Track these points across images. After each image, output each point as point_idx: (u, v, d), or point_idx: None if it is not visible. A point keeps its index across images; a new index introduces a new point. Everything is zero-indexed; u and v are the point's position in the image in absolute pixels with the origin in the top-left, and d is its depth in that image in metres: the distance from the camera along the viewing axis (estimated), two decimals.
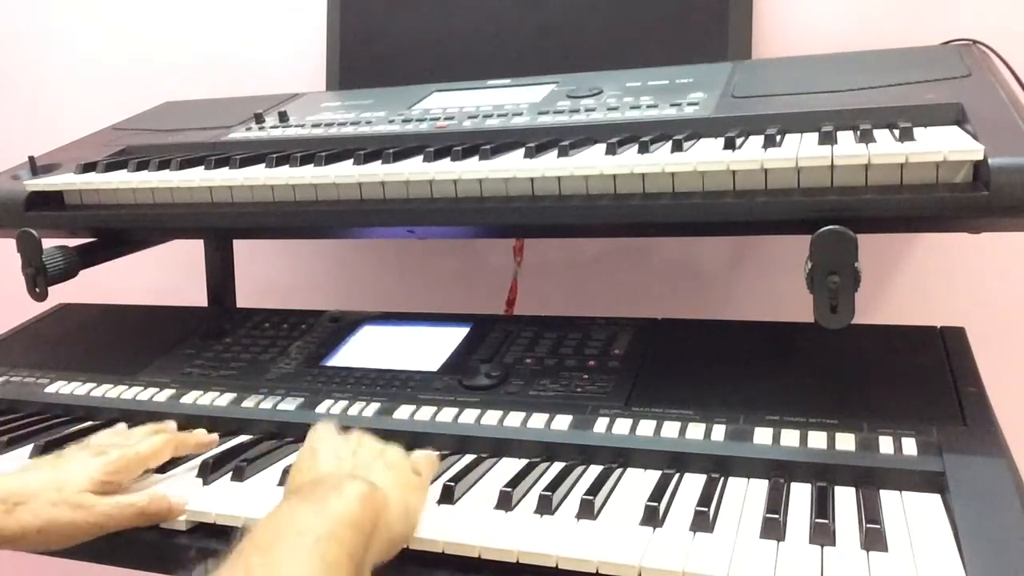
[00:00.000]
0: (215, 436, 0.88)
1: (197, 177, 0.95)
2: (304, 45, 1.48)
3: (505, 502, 0.71)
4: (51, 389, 1.03)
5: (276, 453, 0.85)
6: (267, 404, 0.94)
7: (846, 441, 0.74)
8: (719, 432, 0.78)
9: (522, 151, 0.84)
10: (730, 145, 0.78)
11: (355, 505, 0.59)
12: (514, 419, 0.84)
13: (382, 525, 0.61)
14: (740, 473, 0.75)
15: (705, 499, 0.69)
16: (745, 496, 0.71)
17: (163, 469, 0.83)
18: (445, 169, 0.84)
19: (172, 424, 0.89)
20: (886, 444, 0.73)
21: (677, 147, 0.80)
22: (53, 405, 1.00)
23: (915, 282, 1.27)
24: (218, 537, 0.74)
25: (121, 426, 0.90)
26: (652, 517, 0.67)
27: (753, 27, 1.18)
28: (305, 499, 0.60)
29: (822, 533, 0.63)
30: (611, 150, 0.81)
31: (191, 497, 0.76)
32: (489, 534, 0.67)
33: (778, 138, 0.79)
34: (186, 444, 0.85)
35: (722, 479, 0.74)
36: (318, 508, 0.58)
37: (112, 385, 1.02)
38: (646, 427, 0.80)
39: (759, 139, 0.79)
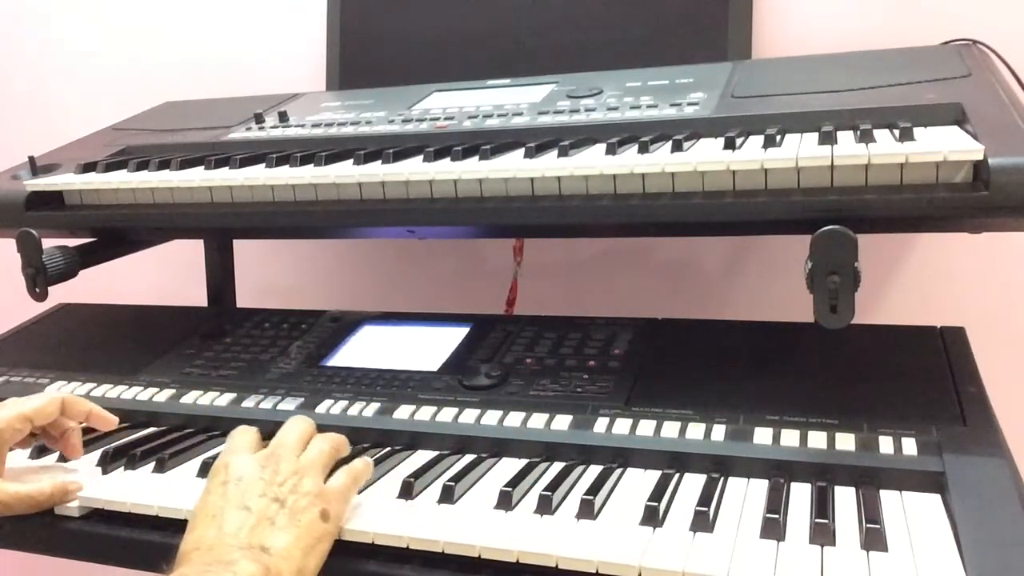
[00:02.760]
0: (113, 419, 0.88)
1: (197, 177, 0.95)
2: (304, 45, 1.48)
3: (505, 502, 0.71)
4: (51, 389, 1.03)
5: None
6: (267, 404, 0.94)
7: (846, 441, 0.74)
8: (719, 432, 0.78)
9: (522, 151, 0.84)
10: (730, 145, 0.78)
11: None
12: (514, 419, 0.84)
13: None
14: (740, 473, 0.75)
15: (705, 499, 0.69)
16: (745, 496, 0.71)
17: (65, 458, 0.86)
18: (445, 169, 0.84)
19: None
20: (886, 444, 0.73)
21: (677, 147, 0.80)
22: None
23: (915, 282, 1.27)
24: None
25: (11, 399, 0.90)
26: (652, 517, 0.67)
27: (753, 27, 1.18)
28: None
29: (822, 533, 0.63)
30: (611, 150, 0.81)
31: (88, 484, 0.80)
32: (489, 534, 0.67)
33: (778, 138, 0.79)
34: (76, 407, 0.85)
35: (722, 479, 0.74)
36: None
37: (112, 385, 1.02)
38: (646, 427, 0.80)
39: (759, 139, 0.79)
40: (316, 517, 0.67)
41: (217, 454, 0.83)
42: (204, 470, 0.81)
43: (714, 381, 0.87)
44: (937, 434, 0.74)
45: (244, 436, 0.76)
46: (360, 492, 0.75)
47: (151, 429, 0.94)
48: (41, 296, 1.00)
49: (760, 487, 0.72)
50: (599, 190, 0.80)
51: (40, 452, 0.88)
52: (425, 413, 0.87)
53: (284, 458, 0.72)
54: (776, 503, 0.67)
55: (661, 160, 0.77)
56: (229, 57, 1.57)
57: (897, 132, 0.75)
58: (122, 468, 0.84)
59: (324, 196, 0.91)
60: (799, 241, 0.73)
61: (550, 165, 0.81)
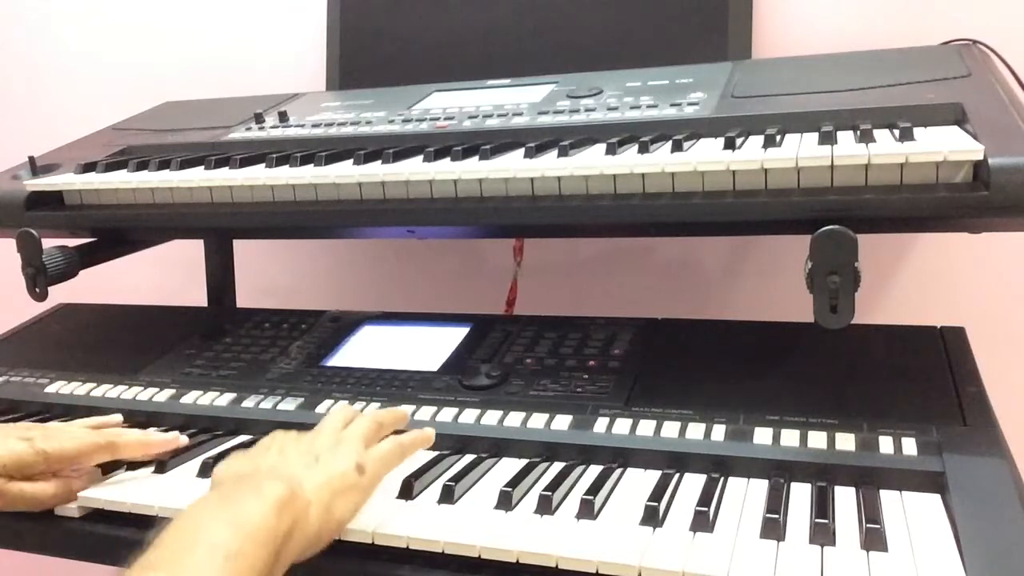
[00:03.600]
0: (173, 436, 0.85)
1: (197, 177, 0.95)
2: (304, 45, 1.48)
3: (505, 502, 0.71)
4: (51, 389, 1.03)
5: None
6: (267, 404, 0.94)
7: (846, 441, 0.74)
8: (719, 432, 0.78)
9: (522, 151, 0.84)
10: (730, 145, 0.78)
11: (270, 515, 0.59)
12: (514, 419, 0.84)
13: (298, 532, 0.61)
14: (740, 473, 0.75)
15: (705, 499, 0.69)
16: (745, 496, 0.71)
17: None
18: (445, 169, 0.84)
19: (117, 418, 0.89)
20: (886, 444, 0.73)
21: (677, 147, 0.80)
22: (53, 405, 1.00)
23: (915, 282, 1.27)
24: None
25: (116, 417, 0.90)
26: (652, 517, 0.67)
27: (753, 27, 1.18)
28: (223, 501, 0.60)
29: (822, 533, 0.63)
30: (611, 150, 0.81)
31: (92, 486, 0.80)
32: (489, 534, 0.67)
33: (778, 138, 0.79)
34: (125, 448, 0.81)
35: (722, 479, 0.74)
36: (232, 516, 0.58)
37: (112, 385, 1.02)
38: (646, 427, 0.80)
39: (759, 139, 0.79)
40: (351, 468, 0.68)
41: (218, 454, 0.83)
42: (205, 470, 0.81)
43: (714, 381, 0.87)
44: (937, 434, 0.74)
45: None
46: None
47: (151, 429, 0.94)
48: (41, 296, 1.00)
49: (760, 487, 0.72)
50: (599, 190, 0.80)
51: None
52: (425, 413, 0.87)
53: (324, 431, 0.74)
54: (776, 503, 0.67)
55: (661, 160, 0.77)
56: (229, 57, 1.57)
57: (897, 132, 0.75)
58: (123, 468, 0.84)
59: (324, 196, 0.91)
60: (799, 241, 0.73)
61: (550, 165, 0.81)
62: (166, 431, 0.91)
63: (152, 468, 0.83)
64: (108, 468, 0.83)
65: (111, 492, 0.79)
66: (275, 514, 0.59)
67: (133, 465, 0.83)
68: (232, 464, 0.70)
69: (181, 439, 0.86)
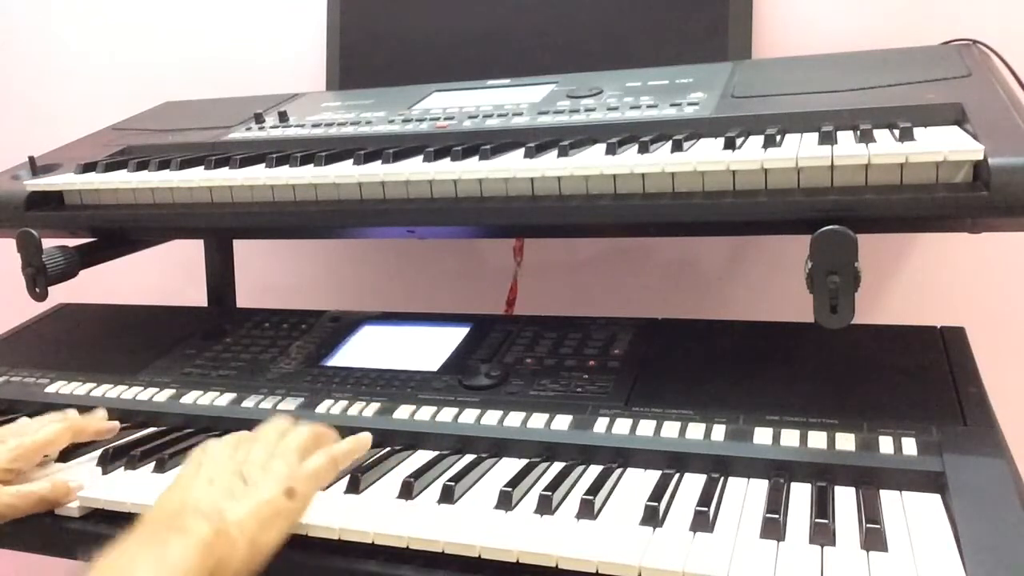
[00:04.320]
0: (115, 424, 0.90)
1: (197, 177, 0.95)
2: (304, 45, 1.48)
3: (505, 502, 0.71)
4: (51, 389, 1.03)
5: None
6: (267, 404, 0.94)
7: (846, 441, 0.74)
8: (719, 432, 0.78)
9: (522, 151, 0.84)
10: (730, 145, 0.78)
11: (195, 557, 0.60)
12: (514, 419, 0.84)
13: (223, 569, 0.61)
14: (740, 473, 0.75)
15: (705, 499, 0.69)
16: (745, 496, 0.71)
17: (66, 458, 0.87)
18: (445, 169, 0.84)
19: (73, 412, 0.89)
20: (886, 444, 0.73)
21: (677, 147, 0.80)
22: (53, 405, 1.00)
23: (915, 282, 1.27)
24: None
25: (23, 420, 0.90)
26: (652, 517, 0.67)
27: (753, 27, 1.18)
28: (150, 542, 0.61)
29: (822, 533, 0.63)
30: (611, 150, 0.81)
31: (88, 484, 0.80)
32: (489, 534, 0.67)
33: (778, 138, 0.79)
34: (85, 431, 0.87)
35: (722, 479, 0.74)
36: (157, 557, 0.59)
37: (112, 385, 1.02)
38: (646, 427, 0.80)
39: (759, 139, 0.79)
40: (279, 493, 0.67)
41: None
42: None
43: (714, 381, 0.87)
44: (937, 434, 0.74)
45: (234, 435, 0.77)
46: (360, 492, 0.75)
47: (151, 429, 0.94)
48: (41, 296, 1.00)
49: (760, 487, 0.72)
50: (599, 190, 0.80)
51: None
52: (425, 413, 0.87)
53: (259, 441, 0.73)
54: (776, 503, 0.67)
55: (661, 160, 0.77)
56: (229, 57, 1.57)
57: (897, 132, 0.75)
58: (122, 468, 0.84)
59: (324, 196, 0.91)
60: (799, 241, 0.73)
61: (550, 165, 0.81)
62: (165, 431, 0.92)
63: (152, 468, 0.83)
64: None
65: (111, 492, 0.79)
66: (199, 555, 0.60)
67: (132, 463, 0.83)
68: (162, 500, 0.68)
69: None
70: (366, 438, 0.79)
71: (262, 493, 0.67)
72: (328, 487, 0.76)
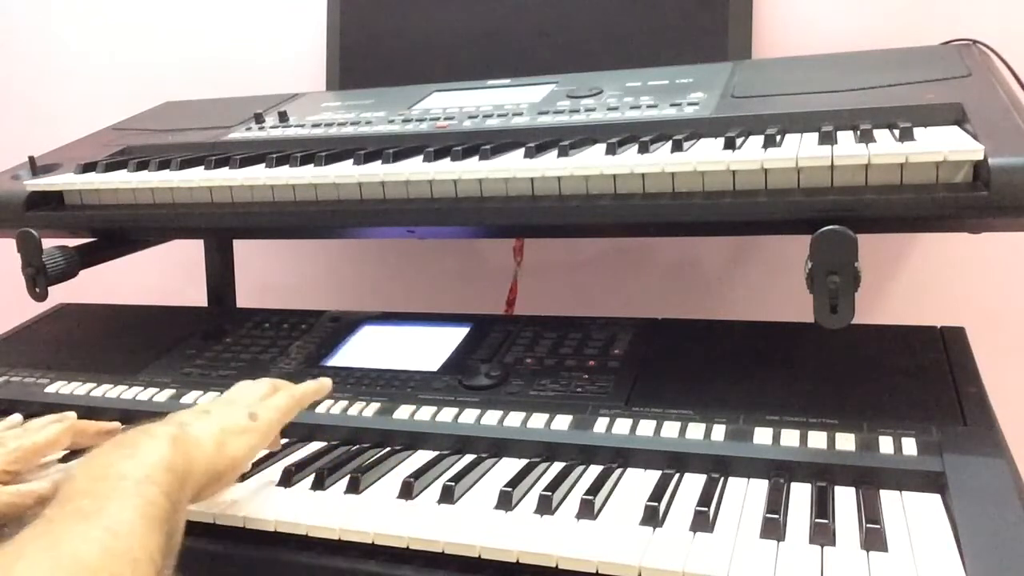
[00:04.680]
0: (117, 424, 0.91)
1: (197, 177, 0.95)
2: (304, 45, 1.48)
3: (505, 502, 0.71)
4: (51, 389, 1.03)
5: None
6: None
7: (846, 441, 0.74)
8: (719, 432, 0.78)
9: (522, 151, 0.84)
10: (730, 145, 0.78)
11: (165, 448, 0.63)
12: (514, 419, 0.84)
13: (194, 466, 0.65)
14: (740, 473, 0.75)
15: (705, 499, 0.69)
16: (745, 496, 0.71)
17: (66, 459, 0.87)
18: (445, 169, 0.84)
19: (72, 415, 0.90)
20: (886, 444, 0.73)
21: (677, 147, 0.80)
22: (53, 405, 1.00)
23: (915, 282, 1.27)
24: None
25: (15, 417, 0.91)
26: (652, 517, 0.67)
27: (753, 27, 1.18)
28: (118, 446, 0.63)
29: (822, 533, 0.63)
30: (611, 150, 0.81)
31: None
32: (489, 534, 0.67)
33: (778, 138, 0.79)
34: (86, 432, 0.87)
35: (722, 479, 0.74)
36: (131, 453, 0.61)
37: (112, 385, 1.02)
38: (646, 427, 0.80)
39: (759, 139, 0.79)
40: (241, 414, 0.73)
41: None
42: None
43: (714, 381, 0.87)
44: (937, 434, 0.74)
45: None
46: (360, 492, 0.75)
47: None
48: (41, 296, 1.00)
49: (760, 487, 0.72)
50: (599, 190, 0.80)
51: None
52: (425, 413, 0.87)
53: (223, 397, 0.79)
54: (776, 503, 0.67)
55: (661, 160, 0.77)
56: (229, 57, 1.57)
57: (897, 132, 0.75)
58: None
59: (324, 196, 0.91)
60: (799, 241, 0.73)
61: (550, 165, 0.81)
62: None
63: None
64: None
65: None
66: (170, 447, 0.63)
67: None
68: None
69: None
70: (327, 382, 0.84)
71: (225, 415, 0.72)
72: (328, 487, 0.76)
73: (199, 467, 0.65)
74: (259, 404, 0.76)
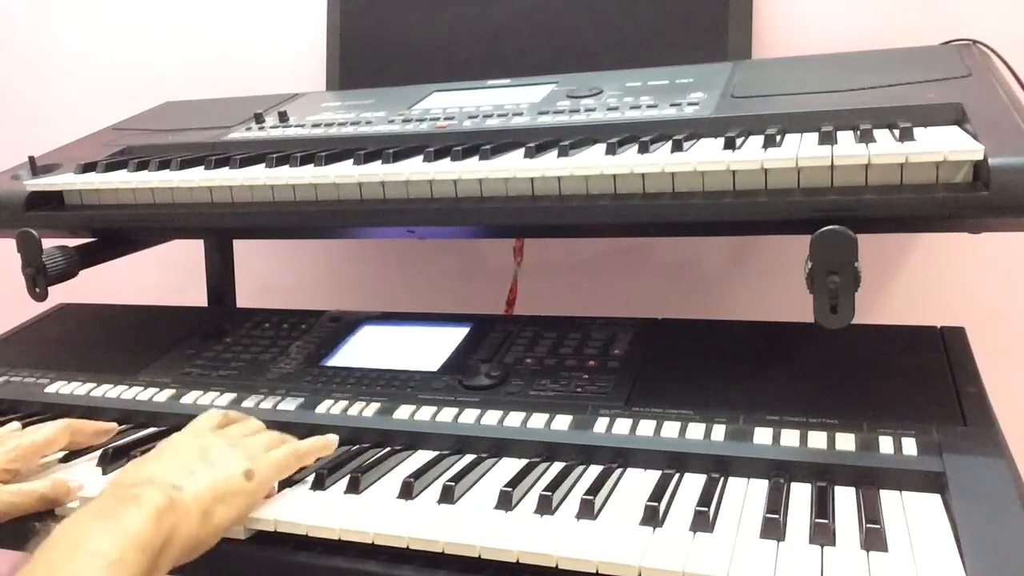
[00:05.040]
0: (113, 425, 0.91)
1: (197, 177, 0.95)
2: (304, 45, 1.48)
3: (505, 502, 0.71)
4: (51, 389, 1.03)
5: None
6: (267, 404, 0.93)
7: (846, 441, 0.74)
8: (719, 432, 0.78)
9: (522, 151, 0.84)
10: (730, 145, 0.78)
11: (149, 524, 0.61)
12: (514, 419, 0.84)
13: (176, 539, 0.63)
14: (740, 473, 0.75)
15: (705, 499, 0.69)
16: (745, 496, 0.71)
17: (67, 459, 0.87)
18: (445, 169, 0.84)
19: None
20: (886, 444, 0.73)
21: (677, 147, 0.80)
22: (53, 405, 1.00)
23: (915, 282, 1.27)
24: None
25: (13, 424, 0.90)
26: (652, 517, 0.67)
27: (753, 27, 1.18)
28: (103, 512, 0.62)
29: (822, 533, 0.63)
30: (611, 150, 0.81)
31: (88, 483, 0.80)
32: (489, 534, 0.67)
33: (778, 138, 0.79)
34: (83, 432, 0.87)
35: (722, 479, 0.74)
36: (112, 525, 0.60)
37: (112, 385, 1.02)
38: (646, 427, 0.80)
39: (759, 139, 0.79)
40: (238, 473, 0.70)
41: None
42: None
43: (714, 381, 0.87)
44: (937, 434, 0.74)
45: (207, 417, 0.81)
46: (360, 492, 0.75)
47: (151, 429, 0.94)
48: (41, 296, 1.00)
49: (760, 487, 0.72)
50: (599, 190, 0.80)
51: None
52: (425, 413, 0.87)
53: (227, 435, 0.77)
54: (776, 503, 0.67)
55: (661, 160, 0.77)
56: (229, 57, 1.57)
57: (897, 132, 0.75)
58: (122, 467, 0.84)
59: (324, 196, 0.91)
60: (799, 241, 0.73)
61: (550, 165, 0.81)
62: (165, 431, 0.92)
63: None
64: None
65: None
66: (154, 522, 0.61)
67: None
68: (120, 474, 0.71)
69: None
70: (333, 439, 0.81)
71: (220, 471, 0.69)
72: (328, 486, 0.76)
73: (180, 539, 0.64)
74: (259, 458, 0.73)
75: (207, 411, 0.82)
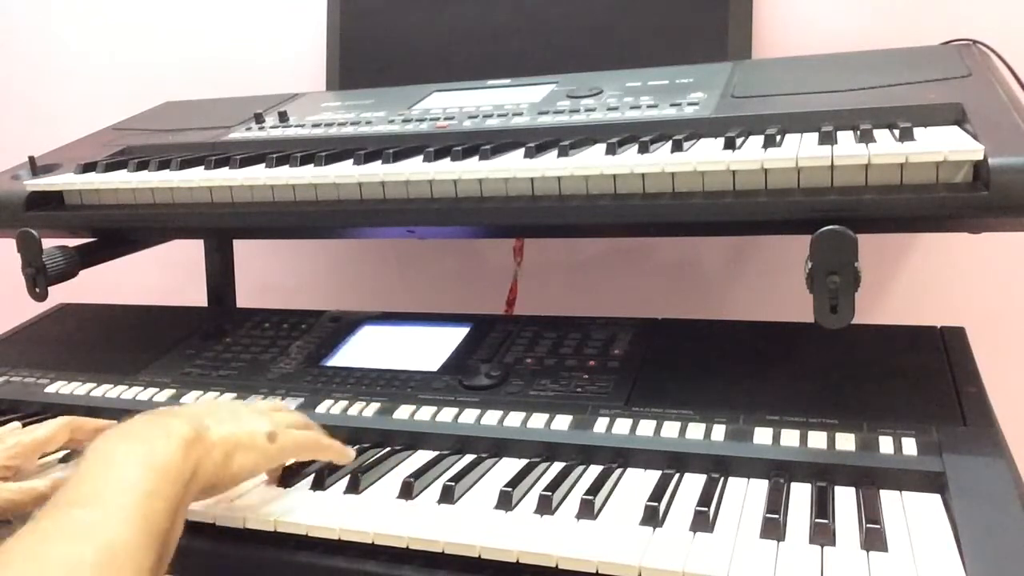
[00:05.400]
0: (114, 422, 0.89)
1: (197, 177, 0.95)
2: (304, 45, 1.48)
3: (505, 502, 0.71)
4: (51, 389, 1.03)
5: None
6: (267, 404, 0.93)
7: (846, 441, 0.74)
8: (719, 432, 0.78)
9: (522, 151, 0.84)
10: (730, 145, 0.78)
11: (178, 455, 0.62)
12: (514, 419, 0.84)
13: (200, 472, 0.65)
14: (740, 473, 0.75)
15: (705, 499, 0.69)
16: (745, 496, 0.71)
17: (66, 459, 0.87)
18: (445, 169, 0.84)
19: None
20: (886, 444, 0.73)
21: (677, 147, 0.80)
22: (53, 405, 1.00)
23: (915, 282, 1.27)
24: None
25: (14, 424, 0.90)
26: (652, 517, 0.67)
27: (753, 27, 1.18)
28: (135, 438, 0.63)
29: (822, 533, 0.63)
30: (611, 150, 0.81)
31: None
32: (489, 534, 0.67)
33: (778, 138, 0.79)
34: (83, 429, 0.87)
35: (722, 479, 0.74)
36: (143, 455, 0.61)
37: (112, 385, 1.02)
38: (646, 427, 0.80)
39: (759, 139, 0.79)
40: (262, 431, 0.72)
41: None
42: None
43: (714, 381, 0.87)
44: (937, 434, 0.74)
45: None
46: (360, 492, 0.75)
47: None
48: (41, 296, 1.00)
49: (760, 487, 0.72)
50: (599, 190, 0.80)
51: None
52: (425, 413, 0.87)
53: (259, 406, 0.78)
54: (776, 503, 0.67)
55: (661, 160, 0.77)
56: (229, 57, 1.57)
57: (897, 132, 0.75)
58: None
59: (324, 196, 0.91)
60: (799, 241, 0.73)
61: (550, 165, 0.81)
62: None
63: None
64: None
65: None
66: (182, 454, 0.63)
67: None
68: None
69: None
70: (351, 453, 0.79)
71: (245, 425, 0.71)
72: (328, 486, 0.76)
73: (203, 476, 0.65)
74: (285, 431, 0.74)
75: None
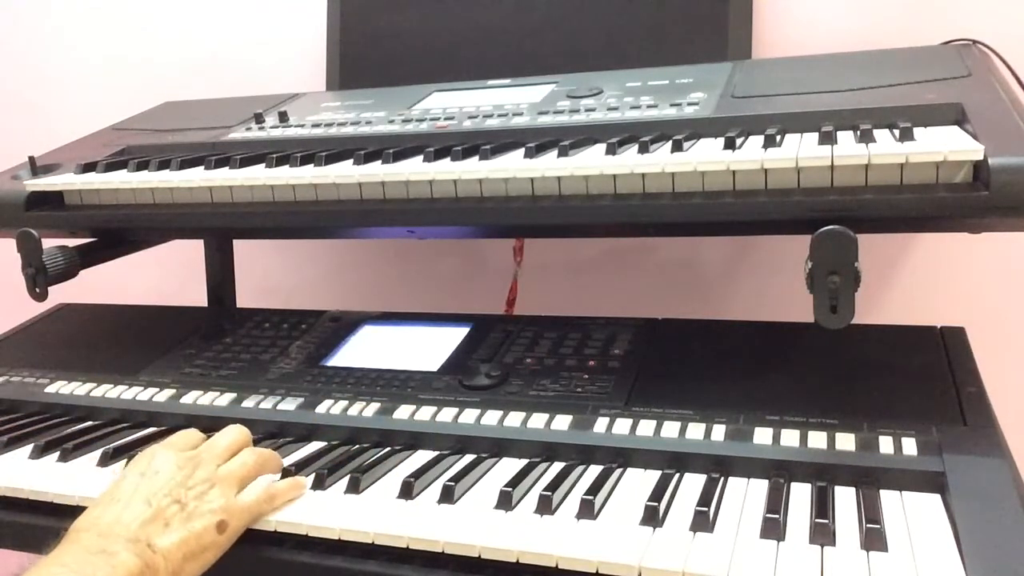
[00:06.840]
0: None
1: (197, 177, 0.95)
2: (304, 45, 1.48)
3: (505, 502, 0.71)
4: (51, 389, 1.03)
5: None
6: (267, 404, 0.94)
7: (846, 441, 0.74)
8: (719, 432, 0.78)
9: (522, 151, 0.84)
10: (730, 145, 0.78)
11: None
12: (514, 419, 0.84)
13: None
14: (740, 473, 0.75)
15: (705, 499, 0.69)
16: (745, 496, 0.71)
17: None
18: (445, 169, 0.84)
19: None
20: (886, 444, 0.73)
21: (677, 147, 0.80)
22: (53, 405, 1.00)
23: (915, 282, 1.27)
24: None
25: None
26: (652, 517, 0.67)
27: (753, 27, 1.18)
28: (81, 561, 0.63)
29: (822, 533, 0.63)
30: (611, 150, 0.81)
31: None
32: (489, 534, 0.67)
33: (778, 138, 0.79)
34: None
35: (722, 479, 0.74)
36: None
37: (112, 385, 1.02)
38: (646, 427, 0.80)
39: (759, 139, 0.79)
40: (211, 526, 0.69)
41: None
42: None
43: (714, 381, 0.87)
44: (937, 434, 0.74)
45: (185, 436, 0.80)
46: (360, 492, 0.75)
47: (151, 429, 0.94)
48: (41, 296, 1.00)
49: (760, 487, 0.72)
50: (599, 190, 0.80)
51: (41, 452, 0.88)
52: (425, 413, 0.87)
53: (204, 464, 0.74)
54: (776, 503, 0.67)
55: (661, 160, 0.77)
56: (229, 57, 1.57)
57: (897, 132, 0.75)
58: (122, 467, 0.84)
59: (324, 196, 0.91)
60: (799, 241, 0.73)
61: (550, 165, 0.81)
62: (165, 431, 0.92)
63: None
64: None
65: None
66: None
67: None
68: (97, 512, 0.69)
69: None
70: (303, 482, 0.76)
71: (194, 524, 0.69)
72: (328, 487, 0.76)
73: None
74: (233, 506, 0.71)
75: (187, 431, 0.82)
